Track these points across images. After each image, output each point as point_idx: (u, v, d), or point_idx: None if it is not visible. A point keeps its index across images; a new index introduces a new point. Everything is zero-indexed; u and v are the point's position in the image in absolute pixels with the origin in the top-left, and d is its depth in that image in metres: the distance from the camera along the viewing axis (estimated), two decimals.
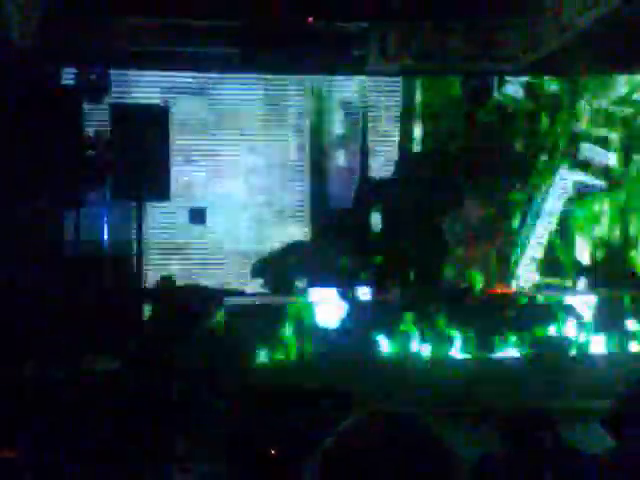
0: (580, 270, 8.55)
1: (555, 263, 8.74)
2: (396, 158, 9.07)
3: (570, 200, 8.74)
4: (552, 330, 7.68)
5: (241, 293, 8.63)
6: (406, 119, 9.02)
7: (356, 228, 8.73)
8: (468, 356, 7.48)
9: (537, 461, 2.78)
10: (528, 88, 8.94)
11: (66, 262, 7.38)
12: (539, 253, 8.63)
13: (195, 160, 8.74)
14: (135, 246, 6.00)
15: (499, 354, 7.51)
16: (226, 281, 8.68)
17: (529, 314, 7.74)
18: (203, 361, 7.35)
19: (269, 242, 8.92)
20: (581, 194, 8.77)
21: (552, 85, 8.98)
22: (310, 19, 7.04)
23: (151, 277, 8.12)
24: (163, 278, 8.14)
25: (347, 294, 7.80)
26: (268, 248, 8.89)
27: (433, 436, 1.49)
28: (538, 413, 2.87)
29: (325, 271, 8.23)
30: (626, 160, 9.05)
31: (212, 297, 7.92)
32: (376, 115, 9.08)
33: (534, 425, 2.83)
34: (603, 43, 7.58)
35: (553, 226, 8.66)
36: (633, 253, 8.88)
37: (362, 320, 7.52)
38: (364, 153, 8.99)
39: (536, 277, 8.62)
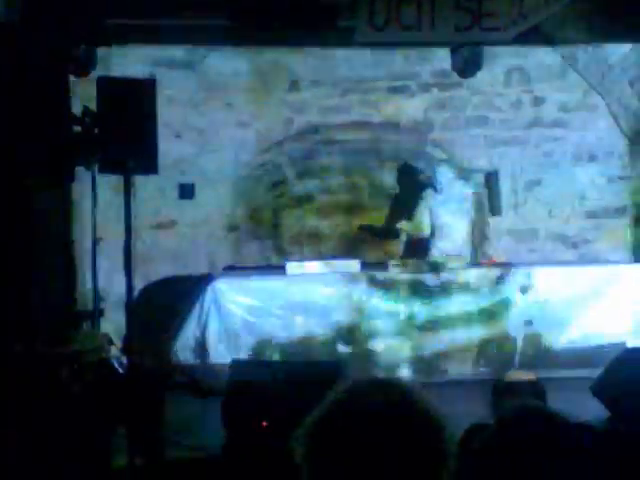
0: None
1: None
2: None
3: None
4: None
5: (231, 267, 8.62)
6: None
7: None
8: None
9: (524, 430, 2.76)
10: None
11: None
12: None
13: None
14: (124, 221, 5.95)
15: None
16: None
17: None
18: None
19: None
20: None
21: None
22: None
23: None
24: None
25: None
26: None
27: (422, 405, 1.48)
28: (522, 380, 2.86)
29: None
30: None
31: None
32: None
33: (517, 391, 2.81)
34: (591, 13, 7.54)
35: None
36: None
37: None
38: None
39: None
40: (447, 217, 8.13)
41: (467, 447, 2.42)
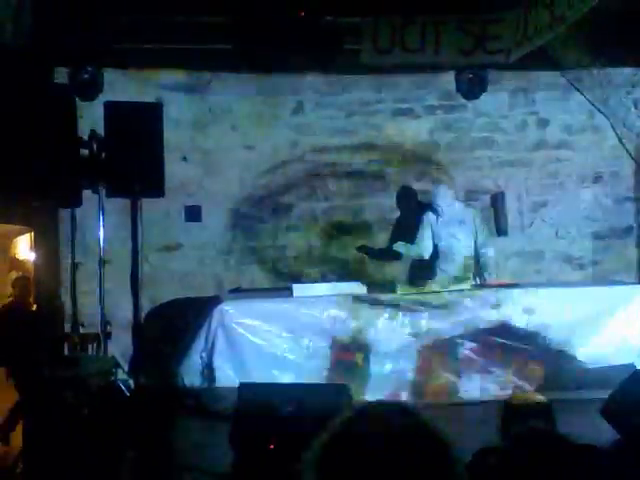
0: None
1: None
2: None
3: None
4: None
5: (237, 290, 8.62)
6: None
7: None
8: None
9: (533, 453, 2.75)
10: None
11: None
12: None
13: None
14: (131, 244, 5.97)
15: None
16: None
17: None
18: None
19: None
20: None
21: None
22: (302, 13, 7.01)
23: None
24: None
25: None
26: None
27: (430, 428, 1.48)
28: (530, 401, 2.85)
29: None
30: None
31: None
32: None
33: (525, 413, 2.80)
34: (595, 36, 7.57)
35: None
36: None
37: None
38: None
39: None
40: (451, 238, 8.11)
41: (476, 471, 2.41)
